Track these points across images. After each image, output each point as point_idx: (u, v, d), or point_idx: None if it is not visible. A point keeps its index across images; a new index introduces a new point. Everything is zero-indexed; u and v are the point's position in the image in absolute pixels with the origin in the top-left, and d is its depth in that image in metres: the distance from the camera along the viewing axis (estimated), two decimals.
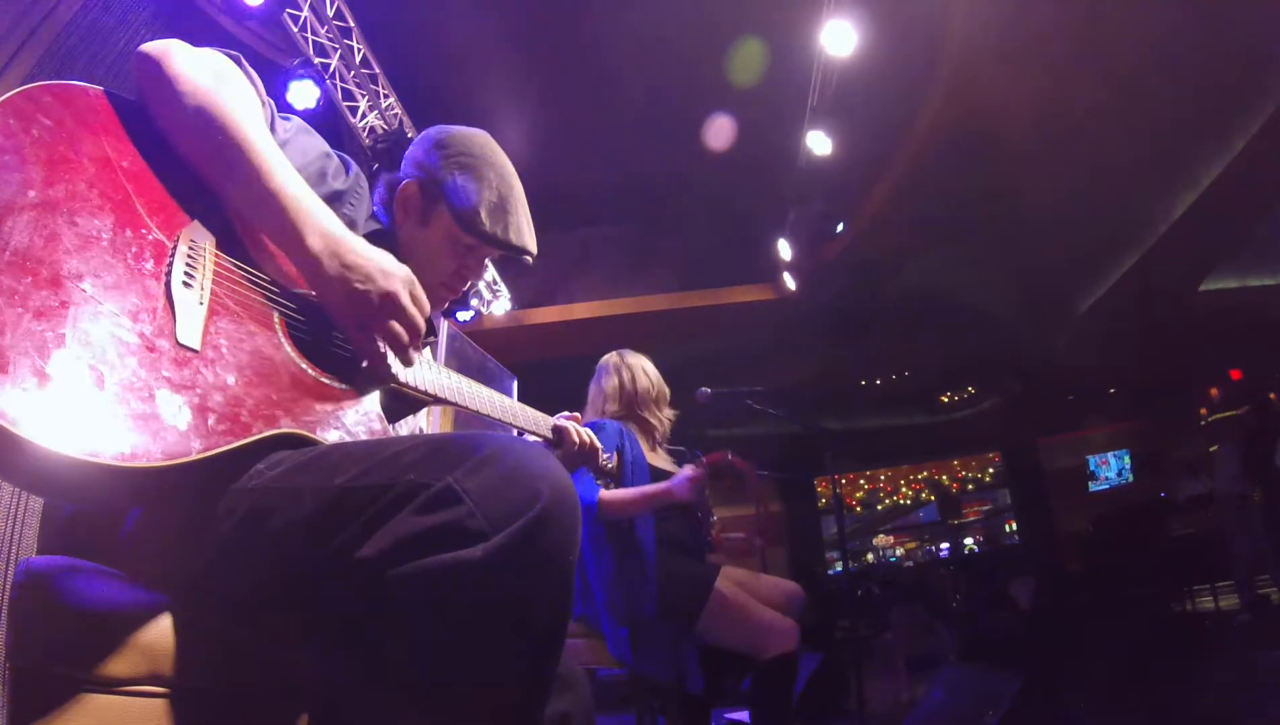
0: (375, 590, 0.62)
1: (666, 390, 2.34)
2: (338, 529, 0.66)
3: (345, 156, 1.06)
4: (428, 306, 0.86)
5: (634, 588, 1.93)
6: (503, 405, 1.18)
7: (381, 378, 0.89)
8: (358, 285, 0.79)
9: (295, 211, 0.78)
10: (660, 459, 2.27)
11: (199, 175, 0.79)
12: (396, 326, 0.82)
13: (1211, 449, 5.96)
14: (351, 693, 0.68)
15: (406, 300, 0.82)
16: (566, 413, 1.40)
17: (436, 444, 0.69)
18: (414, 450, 0.68)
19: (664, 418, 2.29)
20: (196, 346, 0.69)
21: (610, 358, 2.35)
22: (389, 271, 0.81)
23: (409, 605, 0.61)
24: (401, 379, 0.94)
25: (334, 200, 0.97)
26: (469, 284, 1.17)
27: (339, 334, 0.88)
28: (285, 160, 0.81)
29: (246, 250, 0.82)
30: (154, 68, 0.78)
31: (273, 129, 0.89)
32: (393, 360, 0.88)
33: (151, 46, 0.79)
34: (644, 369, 2.30)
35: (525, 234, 1.15)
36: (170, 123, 0.78)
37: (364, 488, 0.67)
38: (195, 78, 0.78)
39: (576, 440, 1.34)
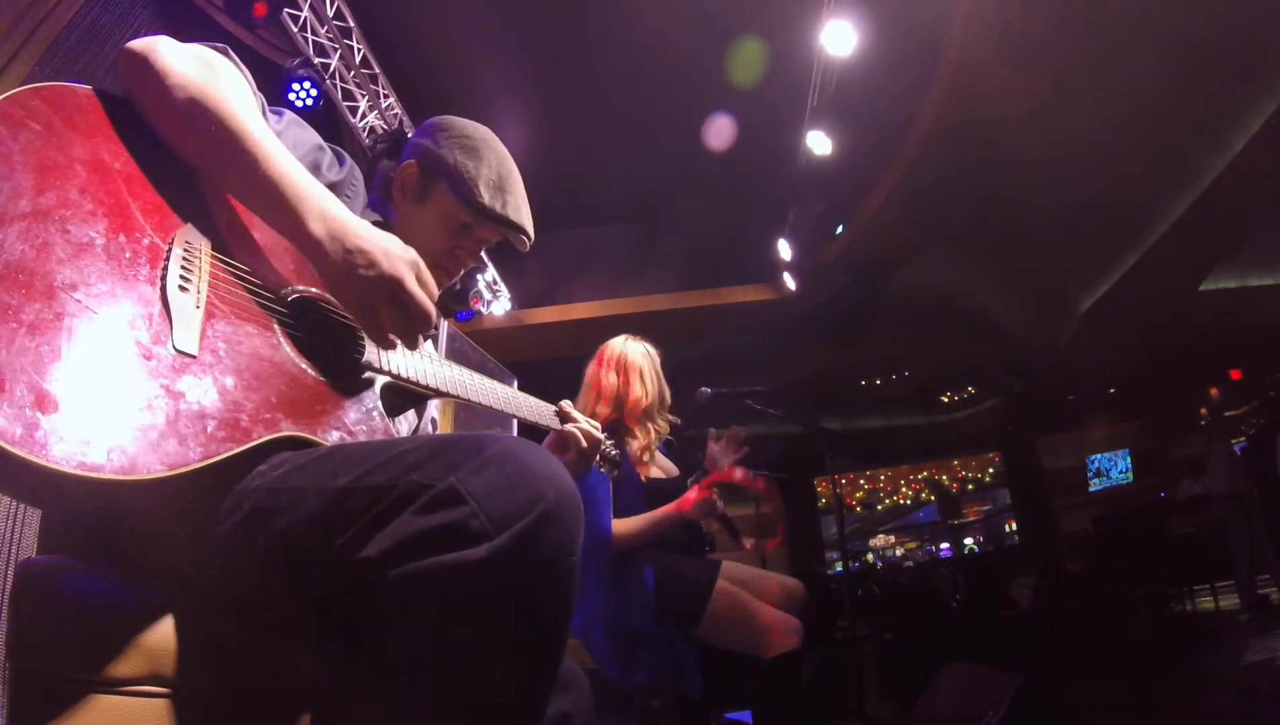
0: (377, 590, 0.62)
1: (666, 395, 2.18)
2: (340, 529, 0.66)
3: (339, 149, 1.06)
4: (435, 290, 0.84)
5: (631, 603, 1.90)
6: (505, 396, 1.17)
7: (383, 366, 0.89)
8: (362, 270, 0.77)
9: (296, 197, 0.76)
10: (654, 469, 2.17)
11: (194, 169, 0.78)
12: (403, 309, 0.80)
13: (1211, 449, 5.95)
14: (352, 693, 0.68)
15: (413, 283, 0.80)
16: (567, 402, 1.37)
17: (439, 444, 0.69)
18: (417, 451, 0.68)
19: (656, 428, 2.14)
20: (194, 352, 0.68)
21: (613, 347, 2.18)
22: (394, 254, 0.80)
23: (411, 605, 0.62)
24: (401, 372, 0.93)
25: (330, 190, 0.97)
26: (464, 270, 1.17)
27: (338, 328, 0.88)
28: (282, 146, 0.79)
29: (243, 248, 0.81)
30: (140, 64, 0.76)
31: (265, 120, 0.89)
32: (401, 345, 0.88)
33: (136, 44, 0.77)
34: (641, 375, 2.13)
35: (524, 213, 1.15)
36: (161, 119, 0.76)
37: (366, 488, 0.67)
38: (184, 70, 0.76)
39: (583, 424, 1.32)
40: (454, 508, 0.62)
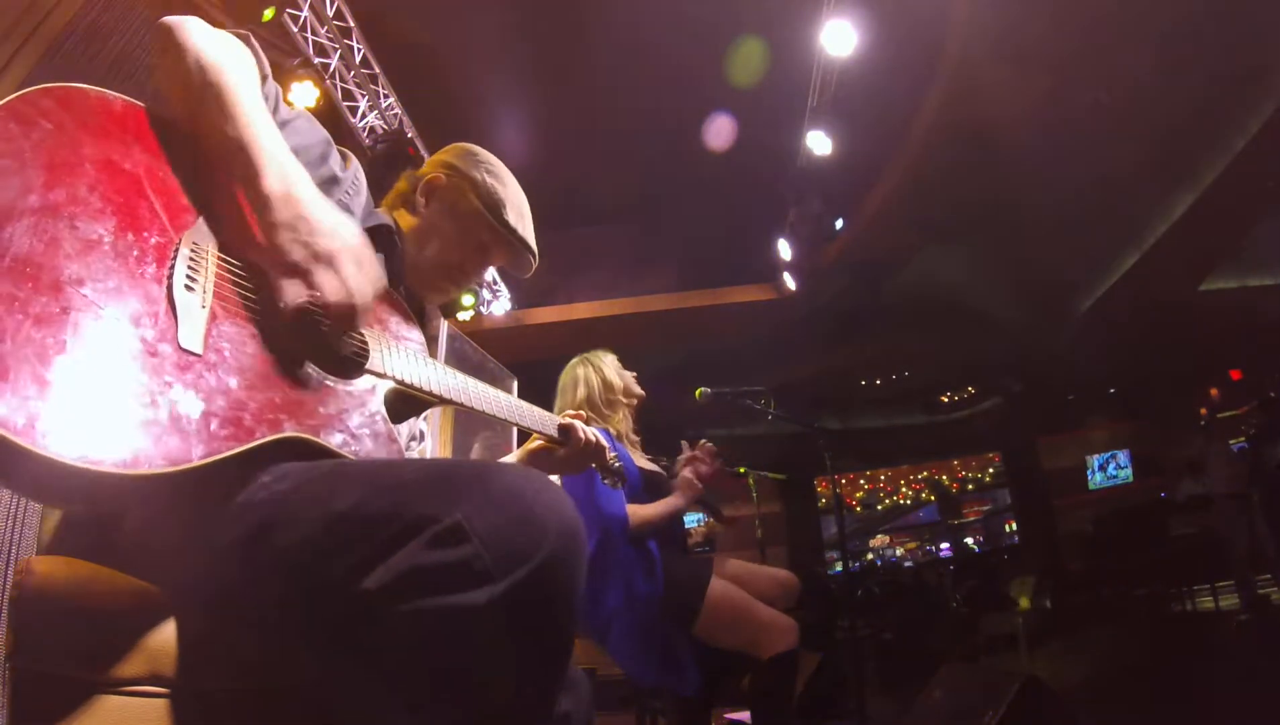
0: (377, 623, 0.62)
1: (630, 387, 2.23)
2: (339, 555, 0.65)
3: (345, 151, 1.07)
4: (381, 282, 0.82)
5: (643, 592, 1.92)
6: (508, 404, 1.17)
7: (387, 372, 0.89)
8: (304, 236, 0.75)
9: (258, 152, 0.76)
10: (643, 460, 2.23)
11: (198, 157, 0.79)
12: (328, 283, 0.76)
13: (1211, 449, 5.95)
14: (353, 702, 0.68)
15: (351, 264, 0.77)
16: (571, 411, 1.40)
17: (441, 473, 0.68)
18: (420, 480, 0.67)
19: (625, 419, 2.23)
20: (199, 350, 0.68)
21: (572, 366, 2.25)
22: (341, 234, 0.77)
23: (410, 640, 0.61)
24: (405, 378, 0.93)
25: (330, 183, 0.99)
26: (464, 288, 1.22)
27: (345, 335, 0.88)
28: (265, 111, 0.80)
29: (250, 250, 0.81)
30: (165, 34, 0.81)
31: (276, 110, 0.90)
32: (375, 353, 0.88)
33: (168, 18, 0.82)
34: (603, 368, 2.20)
35: (534, 240, 1.26)
36: (167, 78, 0.80)
37: (367, 516, 0.66)
38: (199, 41, 0.80)
39: (583, 438, 1.33)
40: (458, 546, 0.61)
